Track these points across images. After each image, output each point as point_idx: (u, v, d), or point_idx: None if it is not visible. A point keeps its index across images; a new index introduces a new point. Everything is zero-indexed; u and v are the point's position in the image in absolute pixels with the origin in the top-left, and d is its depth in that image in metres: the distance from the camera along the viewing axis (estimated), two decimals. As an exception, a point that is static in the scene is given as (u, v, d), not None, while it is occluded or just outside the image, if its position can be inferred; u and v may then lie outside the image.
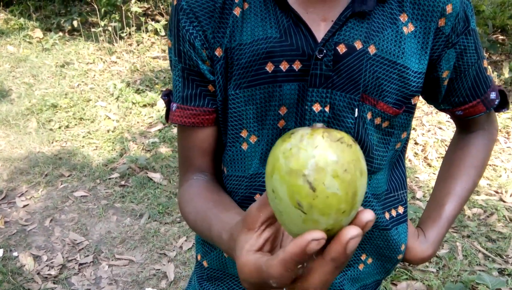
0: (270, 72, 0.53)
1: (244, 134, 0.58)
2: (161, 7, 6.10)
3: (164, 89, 3.85)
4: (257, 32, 0.53)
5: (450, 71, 0.59)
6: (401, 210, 0.65)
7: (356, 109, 0.53)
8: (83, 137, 3.03)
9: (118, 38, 4.99)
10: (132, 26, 5.20)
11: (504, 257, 2.08)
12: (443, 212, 0.67)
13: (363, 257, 0.64)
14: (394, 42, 0.53)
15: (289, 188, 0.31)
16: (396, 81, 0.54)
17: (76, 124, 3.20)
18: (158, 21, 5.56)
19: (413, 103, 0.58)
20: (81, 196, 2.39)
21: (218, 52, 0.56)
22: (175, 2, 0.57)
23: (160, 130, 3.18)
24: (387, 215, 0.62)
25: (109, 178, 2.57)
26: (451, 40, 0.56)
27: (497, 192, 2.61)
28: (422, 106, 3.42)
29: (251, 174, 0.59)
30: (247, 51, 0.53)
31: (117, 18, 5.07)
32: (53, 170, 2.60)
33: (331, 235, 0.32)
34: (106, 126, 3.18)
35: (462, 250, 2.10)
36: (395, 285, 1.88)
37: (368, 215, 0.32)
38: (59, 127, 3.12)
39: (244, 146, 0.59)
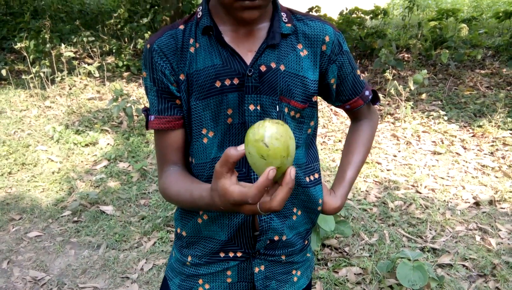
0: (218, 87, 0.78)
1: (204, 131, 0.81)
2: (94, 50, 6.19)
3: (103, 128, 3.95)
4: (207, 61, 0.78)
5: (335, 79, 0.87)
6: (316, 176, 0.91)
7: (277, 106, 0.79)
8: (28, 181, 3.05)
9: (50, 83, 5.00)
10: (64, 70, 5.24)
11: (424, 238, 2.47)
12: (346, 176, 0.95)
13: (295, 210, 0.89)
14: (296, 62, 0.80)
15: (257, 149, 0.57)
16: (300, 86, 0.81)
17: (19, 170, 3.19)
18: (90, 64, 5.65)
19: (313, 101, 0.85)
20: (36, 236, 2.42)
21: (182, 77, 0.80)
22: (148, 46, 0.80)
23: (106, 166, 3.28)
24: (307, 179, 0.88)
25: (61, 216, 2.62)
26: (332, 58, 0.84)
27: (413, 186, 3.04)
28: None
29: (212, 158, 0.82)
30: (202, 75, 0.78)
31: (47, 64, 5.10)
32: (2, 215, 2.60)
33: (281, 172, 0.58)
34: (50, 169, 3.21)
35: (389, 236, 2.45)
36: (337, 272, 2.16)
37: (293, 168, 0.58)
38: (1, 175, 3.10)
39: (205, 140, 0.82)
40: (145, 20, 6.95)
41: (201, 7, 0.81)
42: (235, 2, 0.69)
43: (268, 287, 0.91)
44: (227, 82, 0.77)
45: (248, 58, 0.78)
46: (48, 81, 4.97)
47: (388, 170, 3.28)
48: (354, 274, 2.13)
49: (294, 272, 0.94)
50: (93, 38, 6.56)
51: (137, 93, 5.06)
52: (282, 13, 0.80)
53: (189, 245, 0.91)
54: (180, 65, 0.79)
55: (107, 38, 6.92)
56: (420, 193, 2.94)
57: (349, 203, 2.77)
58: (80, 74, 5.40)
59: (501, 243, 2.40)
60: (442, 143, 3.73)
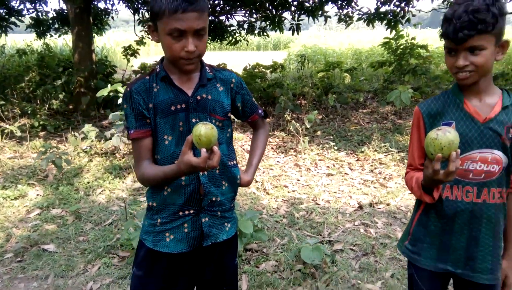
0: (173, 109, 1.33)
1: (165, 136, 1.34)
2: (5, 113, 6.22)
3: (30, 182, 4.11)
4: (165, 95, 1.32)
5: (241, 104, 1.47)
6: (235, 162, 1.47)
7: (208, 119, 1.36)
8: (-40, 234, 3.13)
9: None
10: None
11: (322, 235, 3.13)
12: (253, 163, 1.55)
13: (223, 182, 1.43)
14: (217, 94, 1.39)
15: (196, 141, 1.14)
16: (220, 107, 1.39)
17: None
18: (1, 127, 5.69)
19: (228, 116, 1.43)
20: (-19, 277, 2.58)
21: (150, 106, 1.33)
22: (128, 89, 1.33)
23: (39, 214, 3.48)
24: (230, 163, 1.44)
25: (4, 258, 2.80)
26: (237, 92, 1.44)
27: (313, 200, 3.75)
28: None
29: (171, 153, 1.34)
30: (163, 103, 1.32)
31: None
32: None
33: (210, 151, 1.15)
34: (-19, 222, 3.32)
35: (296, 237, 3.07)
36: (258, 267, 2.69)
37: (215, 147, 1.15)
38: None
39: (166, 142, 1.35)
40: (59, 82, 7.17)
41: (158, 66, 1.37)
42: (180, 60, 1.28)
43: (211, 232, 1.43)
44: (178, 106, 1.34)
45: (189, 92, 1.35)
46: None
47: (293, 191, 3.97)
48: (271, 266, 2.68)
49: (226, 224, 1.48)
50: (3, 102, 6.57)
51: (58, 149, 5.24)
52: (206, 67, 1.41)
53: (158, 211, 1.40)
54: (149, 99, 1.34)
55: (18, 101, 6.94)
56: (318, 204, 3.66)
57: (264, 217, 3.37)
58: (-5, 136, 5.43)
59: (378, 231, 3.15)
60: (334, 166, 4.57)
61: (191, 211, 1.40)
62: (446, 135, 1.14)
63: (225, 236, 1.47)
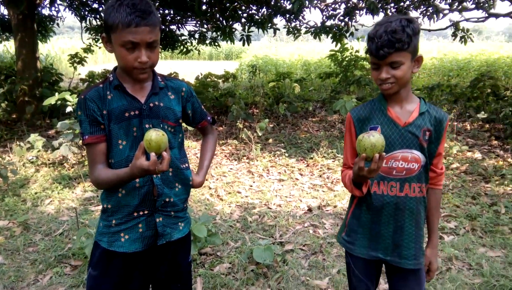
0: (127, 116, 1.41)
1: (120, 141, 1.42)
2: None
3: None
4: (119, 103, 1.40)
5: (191, 110, 1.59)
6: (187, 165, 1.58)
7: (161, 125, 1.46)
8: None
9: None
10: None
11: (274, 237, 3.27)
12: (204, 165, 1.66)
13: (177, 184, 1.53)
14: (168, 101, 1.49)
15: (146, 146, 1.23)
16: (172, 114, 1.49)
17: None
18: None
19: (180, 122, 1.54)
20: None
21: (104, 112, 1.40)
22: (82, 97, 1.40)
23: (-17, 227, 3.35)
24: (182, 166, 1.54)
25: None
26: (187, 100, 1.55)
27: (265, 205, 3.90)
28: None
29: (126, 156, 1.42)
30: (116, 110, 1.40)
31: None
32: None
33: (159, 155, 1.25)
34: None
35: (249, 240, 3.20)
36: (212, 270, 2.78)
37: (165, 152, 1.26)
38: None
39: (120, 147, 1.42)
40: (1, 91, 6.87)
41: (111, 74, 1.45)
42: (134, 70, 1.37)
43: (165, 232, 1.52)
44: (132, 113, 1.42)
45: (142, 100, 1.44)
46: None
47: (246, 196, 4.10)
48: (225, 268, 2.78)
49: (179, 223, 1.57)
50: None
51: (3, 159, 5.03)
52: (158, 76, 1.51)
53: (113, 213, 1.47)
54: (103, 106, 1.41)
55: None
56: (270, 208, 3.82)
57: (218, 222, 3.47)
58: None
59: (326, 232, 3.36)
60: (285, 172, 4.77)
61: (146, 212, 1.48)
62: (369, 138, 1.32)
63: (179, 235, 1.57)
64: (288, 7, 6.75)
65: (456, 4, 8.50)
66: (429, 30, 8.80)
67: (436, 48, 19.05)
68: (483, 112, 6.65)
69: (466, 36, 7.39)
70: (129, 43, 1.31)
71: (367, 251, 1.59)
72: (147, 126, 1.44)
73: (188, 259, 1.66)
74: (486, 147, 5.60)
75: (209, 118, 1.69)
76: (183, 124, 1.65)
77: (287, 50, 21.36)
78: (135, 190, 1.44)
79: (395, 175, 1.52)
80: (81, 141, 1.41)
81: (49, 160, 4.84)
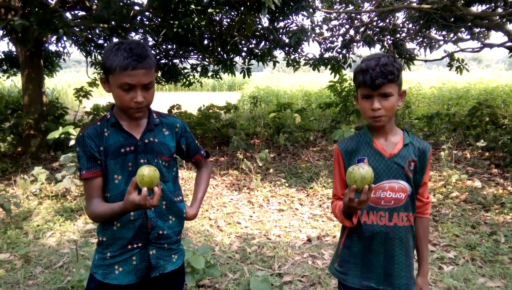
0: (123, 152, 1.48)
1: (115, 176, 1.48)
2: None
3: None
4: (115, 139, 1.48)
5: (185, 146, 1.66)
6: (180, 197, 1.63)
7: (155, 160, 1.53)
8: None
9: None
10: None
11: (272, 268, 3.27)
12: (198, 197, 1.71)
13: (170, 217, 1.58)
14: (163, 137, 1.56)
15: (139, 181, 1.29)
16: (166, 149, 1.56)
17: None
18: None
19: (174, 157, 1.61)
20: None
21: (101, 148, 1.47)
22: (81, 134, 1.47)
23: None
24: (176, 199, 1.60)
25: None
26: (181, 135, 1.63)
27: (265, 235, 3.91)
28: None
29: (121, 191, 1.48)
30: (113, 146, 1.47)
31: None
32: None
33: (151, 189, 1.31)
34: None
35: (248, 271, 3.20)
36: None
37: (156, 187, 1.32)
38: None
39: (116, 181, 1.49)
40: (7, 124, 7.02)
41: (109, 112, 1.54)
42: (130, 109, 1.45)
43: (158, 264, 1.55)
44: (128, 149, 1.50)
45: (138, 136, 1.52)
46: None
47: (246, 227, 4.12)
48: (223, 299, 2.78)
49: (173, 255, 1.61)
50: None
51: (6, 192, 5.10)
52: (153, 114, 1.59)
53: (108, 245, 1.52)
54: (100, 142, 1.49)
55: (-38, 143, 6.71)
56: (270, 239, 3.82)
57: (217, 253, 3.48)
58: None
59: (325, 263, 3.35)
60: (285, 202, 4.79)
61: (139, 244, 1.52)
62: (359, 170, 1.38)
63: (172, 267, 1.61)
64: (287, 41, 6.95)
65: (452, 35, 8.73)
66: (425, 61, 8.99)
67: (436, 77, 19.31)
68: (482, 140, 6.70)
69: (461, 66, 7.54)
70: (126, 85, 1.40)
71: (360, 281, 1.62)
72: (142, 161, 1.50)
73: (182, 291, 1.69)
74: (486, 175, 5.62)
75: (202, 152, 1.76)
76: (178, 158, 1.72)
77: (289, 80, 21.72)
78: (130, 223, 1.49)
79: (383, 205, 1.57)
80: (79, 176, 1.46)
81: (52, 192, 4.90)
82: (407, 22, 8.89)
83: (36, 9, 4.92)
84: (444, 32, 8.70)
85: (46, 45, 8.41)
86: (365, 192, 1.38)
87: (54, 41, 7.77)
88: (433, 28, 8.63)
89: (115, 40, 7.62)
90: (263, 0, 4.40)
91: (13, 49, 8.13)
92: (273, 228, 4.07)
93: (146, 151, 1.52)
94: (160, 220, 1.55)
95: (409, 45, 9.19)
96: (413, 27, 8.78)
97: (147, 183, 1.29)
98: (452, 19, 7.60)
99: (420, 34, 8.69)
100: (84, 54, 8.57)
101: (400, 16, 8.96)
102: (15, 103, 8.00)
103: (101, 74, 1.45)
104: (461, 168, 5.83)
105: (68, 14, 7.32)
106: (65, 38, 4.81)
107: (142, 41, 1.39)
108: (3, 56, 8.69)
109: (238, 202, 4.86)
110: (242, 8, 5.95)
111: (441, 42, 8.49)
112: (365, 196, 1.38)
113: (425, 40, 8.57)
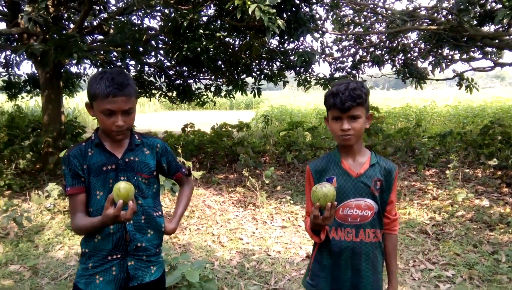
0: (104, 170, 1.62)
1: (97, 192, 1.62)
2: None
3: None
4: (98, 158, 1.61)
5: (165, 164, 1.78)
6: (160, 213, 1.75)
7: (135, 177, 1.65)
8: None
9: None
10: None
11: (269, 284, 3.33)
12: (178, 213, 1.83)
13: (149, 230, 1.70)
14: (143, 156, 1.69)
15: (115, 193, 1.42)
16: (146, 168, 1.68)
17: None
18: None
19: (154, 174, 1.73)
20: None
21: (85, 167, 1.61)
22: (67, 153, 1.62)
23: (-4, 272, 3.56)
24: (155, 214, 1.72)
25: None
26: (162, 154, 1.75)
27: (265, 251, 3.98)
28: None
29: (102, 205, 1.60)
30: (95, 164, 1.61)
31: None
32: None
33: (126, 203, 1.43)
34: None
35: (244, 286, 3.27)
36: None
37: (131, 201, 1.44)
38: None
39: (98, 197, 1.62)
40: (27, 142, 7.35)
41: (94, 134, 1.68)
42: (112, 132, 1.60)
43: (136, 274, 1.67)
44: (109, 167, 1.63)
45: (119, 155, 1.66)
46: None
47: (247, 243, 4.20)
48: (217, 313, 2.86)
49: (152, 267, 1.72)
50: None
51: (20, 207, 5.34)
52: (135, 135, 1.73)
53: (90, 257, 1.64)
54: (84, 161, 1.63)
55: (-15, 160, 7.05)
56: (269, 255, 3.89)
57: (216, 268, 3.57)
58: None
59: (321, 279, 3.39)
60: (289, 219, 4.86)
61: (119, 256, 1.65)
62: (322, 189, 1.48)
63: (151, 277, 1.72)
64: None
65: (464, 54, 8.72)
66: (437, 80, 8.99)
67: (454, 95, 19.11)
68: (494, 159, 6.62)
69: (471, 85, 7.52)
70: (107, 111, 1.54)
71: (329, 293, 1.69)
72: (122, 178, 1.63)
73: (161, 302, 1.79)
74: (495, 194, 5.55)
75: (183, 170, 1.89)
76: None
77: (305, 99, 21.86)
78: (109, 236, 1.62)
79: (350, 222, 1.65)
80: (65, 192, 1.61)
81: (64, 207, 5.11)
82: (420, 41, 8.94)
83: (54, 35, 5.24)
84: (456, 52, 8.70)
85: (67, 67, 8.82)
86: (328, 209, 1.47)
87: (74, 64, 8.16)
88: (445, 48, 8.65)
89: (130, 62, 7.93)
90: (267, 24, 4.56)
91: (36, 71, 8.57)
92: (274, 244, 4.13)
93: (126, 169, 1.65)
94: (138, 233, 1.67)
95: (421, 64, 9.21)
96: (425, 47, 8.82)
97: (124, 195, 1.41)
98: (465, 38, 7.62)
99: (431, 53, 8.71)
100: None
101: (412, 36, 9.04)
102: (35, 122, 8.38)
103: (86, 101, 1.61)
104: (470, 187, 5.77)
105: (87, 38, 7.70)
106: (79, 62, 5.09)
107: (131, 68, 1.54)
108: (27, 78, 9.14)
109: (243, 218, 4.95)
110: (249, 32, 6.15)
111: (454, 61, 8.49)
112: (328, 213, 1.47)
113: (436, 59, 8.58)
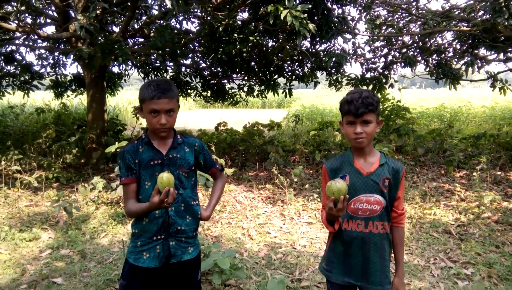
0: (152, 164, 1.92)
1: (146, 182, 1.92)
2: (23, 166, 6.90)
3: (43, 227, 4.66)
4: (147, 154, 1.92)
5: (203, 161, 2.07)
6: (197, 202, 2.04)
7: (177, 171, 1.95)
8: (-18, 269, 3.65)
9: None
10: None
11: (293, 274, 3.58)
12: (212, 203, 2.11)
13: (187, 216, 1.99)
14: (184, 153, 1.99)
15: (159, 181, 1.72)
16: (186, 163, 1.97)
17: (-28, 262, 3.78)
18: (20, 178, 6.33)
19: (193, 169, 2.02)
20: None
21: (136, 161, 1.92)
22: (122, 150, 1.94)
23: (50, 253, 4.00)
24: (193, 202, 2.01)
25: (20, 289, 3.30)
26: (200, 152, 2.04)
27: (291, 245, 4.23)
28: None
29: (150, 194, 1.90)
30: (145, 159, 1.91)
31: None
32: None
33: (168, 191, 1.72)
34: (1, 259, 3.85)
35: (270, 276, 3.53)
36: None
37: (171, 189, 1.73)
38: (-43, 266, 3.67)
39: (146, 186, 1.92)
40: (73, 139, 7.93)
41: (144, 134, 1.99)
42: (156, 130, 1.89)
43: (176, 253, 1.96)
44: (156, 162, 1.94)
45: (164, 152, 1.95)
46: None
47: (275, 237, 4.46)
48: (245, 298, 3.13)
49: (189, 247, 2.02)
50: (22, 156, 7.28)
51: (69, 197, 5.83)
52: (177, 135, 2.02)
53: (139, 236, 1.96)
54: (135, 156, 1.94)
55: (35, 155, 7.66)
56: (295, 248, 4.13)
57: (245, 258, 3.85)
58: (15, 186, 6.08)
59: (343, 272, 3.59)
60: (315, 216, 5.07)
61: (162, 236, 1.95)
62: (336, 184, 1.71)
63: (188, 256, 2.01)
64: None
65: (502, 54, 8.55)
66: (471, 81, 8.87)
67: (491, 96, 18.51)
68: (528, 162, 6.54)
69: (505, 87, 7.41)
70: (153, 111, 1.85)
71: (342, 277, 1.92)
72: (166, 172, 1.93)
73: (197, 278, 2.08)
74: (526, 197, 5.52)
75: (217, 166, 2.17)
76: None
77: (337, 98, 21.79)
78: (155, 219, 1.93)
79: (360, 215, 1.87)
80: (119, 182, 1.93)
81: (107, 199, 5.55)
82: (455, 41, 8.84)
83: (100, 39, 5.68)
84: (492, 52, 8.55)
85: (110, 68, 9.38)
86: (341, 201, 1.70)
87: (117, 64, 8.68)
88: (481, 48, 8.52)
89: (168, 63, 8.35)
90: (298, 28, 4.77)
91: (81, 71, 9.18)
92: (300, 239, 4.37)
93: (170, 164, 1.95)
94: (178, 218, 1.97)
95: (455, 64, 9.10)
96: (461, 47, 8.72)
97: (166, 183, 1.70)
98: (502, 38, 7.51)
99: (467, 53, 8.60)
100: (142, 76, 9.43)
101: (448, 36, 8.94)
102: (81, 120, 8.98)
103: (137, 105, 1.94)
104: (499, 190, 5.76)
105: (129, 41, 8.19)
106: (123, 64, 5.51)
107: (176, 76, 1.82)
108: (72, 78, 9.79)
109: (271, 214, 5.21)
110: (281, 35, 6.39)
111: (487, 62, 8.36)
112: (341, 205, 1.71)
113: (472, 59, 8.47)
